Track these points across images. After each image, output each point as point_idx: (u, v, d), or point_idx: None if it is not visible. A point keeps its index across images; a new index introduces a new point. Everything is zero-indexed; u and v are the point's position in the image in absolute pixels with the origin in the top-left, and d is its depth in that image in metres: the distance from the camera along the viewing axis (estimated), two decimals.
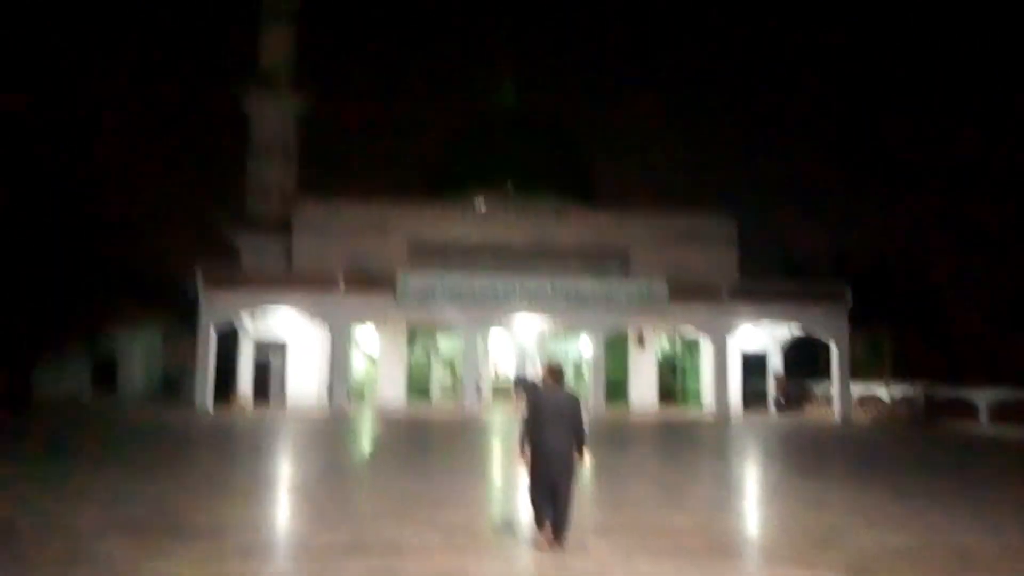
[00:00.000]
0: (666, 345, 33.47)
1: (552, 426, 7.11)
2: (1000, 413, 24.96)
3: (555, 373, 7.48)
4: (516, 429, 7.76)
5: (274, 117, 36.68)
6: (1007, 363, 30.05)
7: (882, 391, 29.17)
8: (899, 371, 29.24)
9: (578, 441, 7.23)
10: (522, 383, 28.73)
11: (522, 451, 7.28)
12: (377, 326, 31.23)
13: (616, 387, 31.87)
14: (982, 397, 25.56)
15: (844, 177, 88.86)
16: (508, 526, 8.74)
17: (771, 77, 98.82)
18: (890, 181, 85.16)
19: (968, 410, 25.81)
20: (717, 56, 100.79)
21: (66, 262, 27.61)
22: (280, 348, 30.89)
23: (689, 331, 31.22)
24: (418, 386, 32.18)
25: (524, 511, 8.61)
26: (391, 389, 31.50)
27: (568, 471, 7.13)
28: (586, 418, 7.58)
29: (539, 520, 7.30)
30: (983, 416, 25.26)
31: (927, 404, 27.23)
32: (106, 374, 31.16)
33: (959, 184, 73.73)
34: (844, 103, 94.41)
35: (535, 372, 31.79)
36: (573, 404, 7.29)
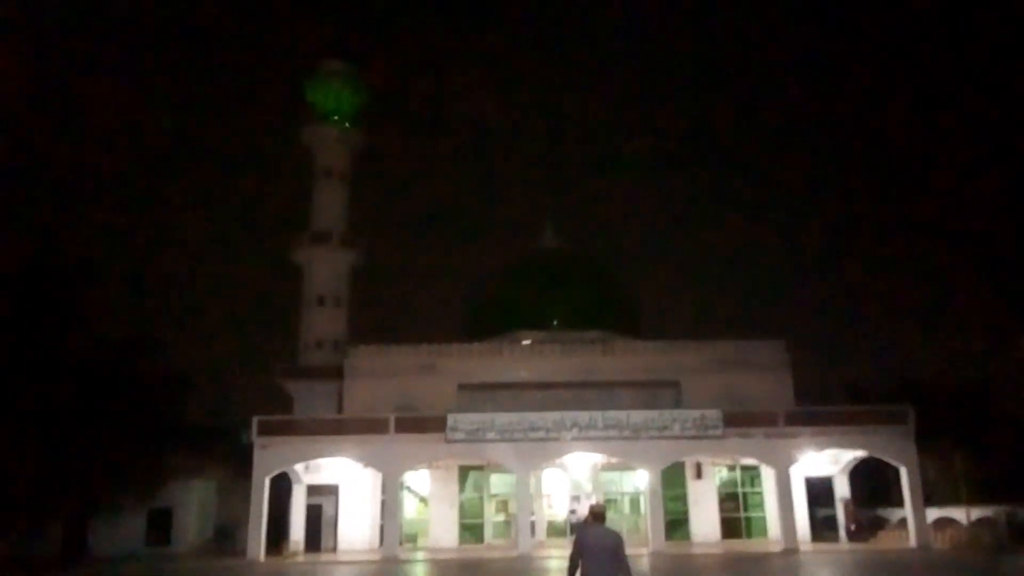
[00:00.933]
0: (725, 474, 32.47)
1: (596, 562, 7.50)
2: None
3: (596, 513, 7.97)
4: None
5: (326, 270, 38.44)
6: None
7: (959, 514, 27.61)
8: (976, 492, 27.74)
9: (620, 566, 7.53)
10: (575, 521, 27.99)
11: None
12: (428, 467, 31.10)
13: (676, 521, 30.75)
14: None
15: (904, 297, 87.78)
16: None
17: (823, 200, 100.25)
18: (952, 297, 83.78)
19: None
20: (766, 182, 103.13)
21: (122, 415, 28.43)
22: (332, 492, 30.81)
23: (749, 459, 30.35)
24: (470, 526, 31.52)
25: None
26: (443, 530, 30.91)
27: None
28: (628, 551, 7.76)
29: None
30: None
31: (1010, 525, 25.64)
32: (161, 526, 31.26)
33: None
34: (900, 223, 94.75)
35: (589, 508, 30.98)
36: (616, 540, 7.65)
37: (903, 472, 28.02)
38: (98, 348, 29.55)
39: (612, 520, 31.75)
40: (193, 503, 32.42)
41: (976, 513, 26.97)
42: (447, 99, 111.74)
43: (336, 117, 41.31)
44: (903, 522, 28.76)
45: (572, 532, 28.21)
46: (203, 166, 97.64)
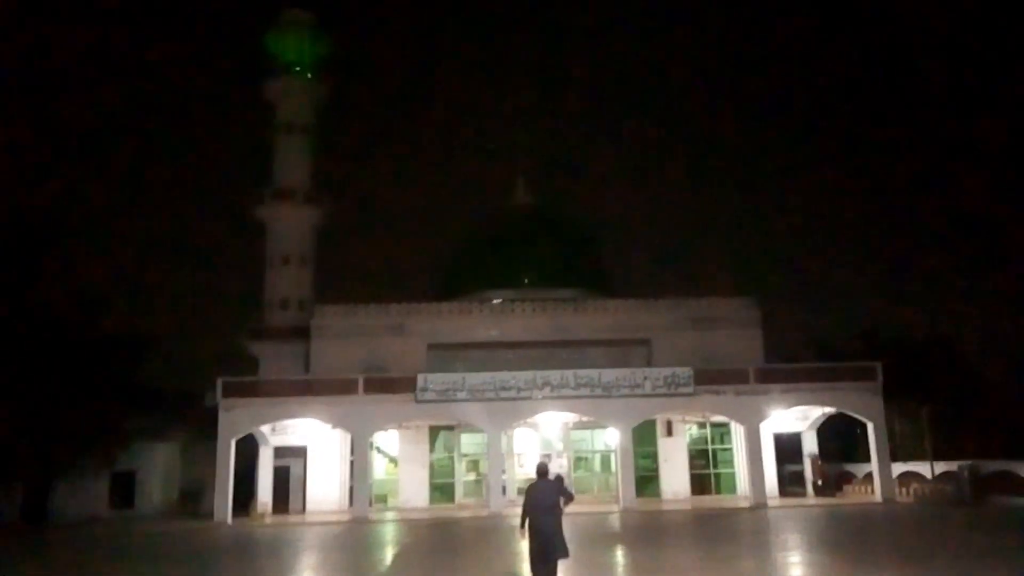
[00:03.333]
0: (695, 431, 32.65)
1: (543, 512, 9.22)
2: None
3: (540, 471, 9.69)
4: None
5: (290, 227, 37.39)
6: None
7: (924, 469, 28.08)
8: (940, 447, 28.18)
9: (566, 500, 9.57)
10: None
11: (521, 531, 9.33)
12: (398, 428, 30.79)
13: (647, 478, 30.92)
14: None
15: (868, 254, 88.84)
16: None
17: (790, 155, 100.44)
18: (915, 255, 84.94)
19: (1017, 484, 24.68)
20: (735, 140, 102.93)
21: (83, 377, 27.66)
22: (300, 453, 30.41)
23: (718, 416, 30.49)
24: (441, 486, 31.40)
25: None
26: (413, 491, 30.74)
27: (555, 546, 9.11)
28: (568, 484, 8.45)
29: None
30: None
31: (972, 480, 26.11)
32: (124, 489, 30.67)
33: (988, 250, 73.47)
34: (867, 178, 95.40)
35: (561, 466, 31.04)
36: (555, 486, 9.60)
37: (870, 428, 28.35)
38: (57, 308, 28.63)
39: (583, 477, 31.94)
40: (157, 466, 31.84)
41: (940, 468, 27.42)
42: (416, 53, 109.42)
43: (298, 68, 39.96)
44: (869, 477, 29.22)
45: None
46: (163, 122, 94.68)
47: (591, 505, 28.42)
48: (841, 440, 32.65)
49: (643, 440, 30.58)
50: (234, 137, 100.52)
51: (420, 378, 27.90)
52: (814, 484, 30.84)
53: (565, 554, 9.17)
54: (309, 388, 28.67)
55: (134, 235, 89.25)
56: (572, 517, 22.11)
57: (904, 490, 28.18)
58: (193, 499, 31.28)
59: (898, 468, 28.74)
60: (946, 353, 36.10)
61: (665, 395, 28.22)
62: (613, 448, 29.74)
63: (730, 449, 31.97)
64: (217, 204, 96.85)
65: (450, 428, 31.28)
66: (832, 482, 31.14)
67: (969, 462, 26.59)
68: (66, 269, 29.69)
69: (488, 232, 39.74)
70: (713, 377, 28.60)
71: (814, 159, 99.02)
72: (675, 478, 31.36)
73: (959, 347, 37.80)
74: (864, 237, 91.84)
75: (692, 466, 31.89)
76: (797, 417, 31.04)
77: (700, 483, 31.81)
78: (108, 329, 30.46)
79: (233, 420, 27.37)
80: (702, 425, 32.44)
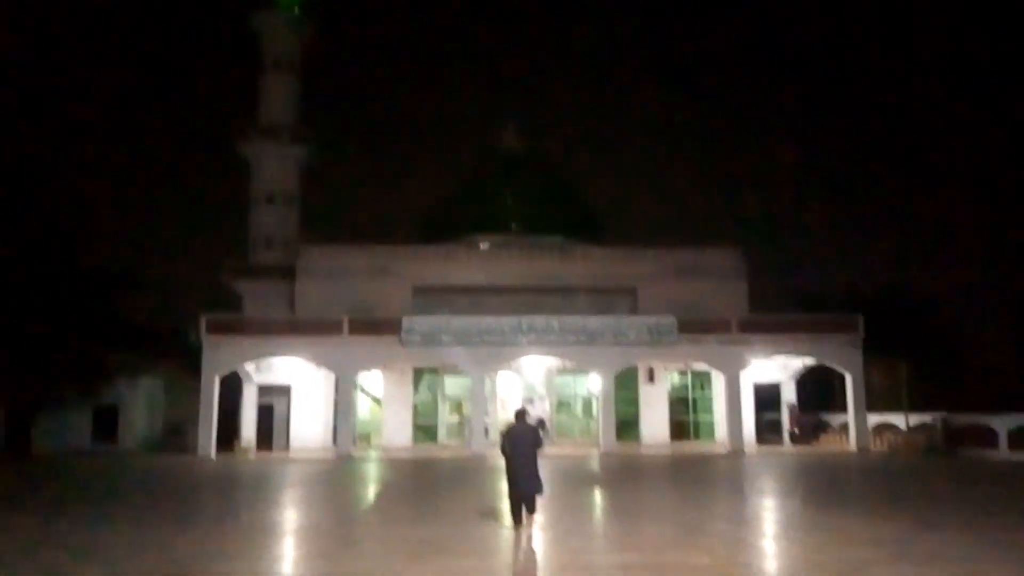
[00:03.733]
0: (677, 379, 33.05)
1: (520, 455, 10.24)
2: (1019, 439, 24.40)
3: (518, 414, 10.85)
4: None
5: (275, 166, 36.91)
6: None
7: (899, 420, 28.65)
8: (917, 399, 28.72)
9: (537, 445, 10.41)
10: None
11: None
12: (382, 369, 30.94)
13: (627, 423, 31.39)
14: (1001, 424, 25.03)
15: (852, 207, 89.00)
16: (527, 571, 8.43)
17: (775, 105, 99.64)
18: (898, 206, 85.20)
19: (987, 437, 25.27)
20: (722, 90, 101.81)
21: (67, 312, 27.49)
22: (284, 391, 30.58)
23: (700, 365, 30.83)
24: (424, 427, 31.76)
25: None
26: (397, 431, 31.09)
27: (532, 484, 10.19)
28: (549, 429, 11.23)
29: (516, 518, 10.43)
30: (1002, 443, 24.71)
31: (945, 432, 26.69)
32: (107, 423, 30.80)
33: (969, 205, 73.79)
34: (848, 129, 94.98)
35: (543, 410, 31.42)
36: (532, 430, 10.63)
37: (848, 379, 28.80)
38: (39, 241, 28.29)
39: (565, 422, 32.33)
40: (140, 400, 31.92)
41: (915, 419, 27.97)
42: None
43: (285, 3, 38.97)
44: (845, 427, 29.81)
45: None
46: (150, 56, 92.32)
47: (572, 448, 28.86)
48: (819, 390, 33.19)
49: (625, 386, 30.93)
50: (221, 73, 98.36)
51: (405, 320, 27.95)
52: (791, 433, 31.44)
53: (540, 490, 10.27)
54: (294, 327, 28.68)
55: (119, 171, 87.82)
56: (553, 460, 22.53)
57: (879, 440, 28.78)
58: (176, 434, 31.48)
59: (874, 419, 29.31)
60: (927, 309, 36.51)
61: (648, 343, 28.45)
62: (595, 394, 30.10)
63: (710, 397, 32.44)
64: (204, 141, 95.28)
65: (434, 371, 31.49)
66: (808, 431, 31.75)
67: (942, 414, 27.14)
68: (52, 204, 29.26)
69: (476, 175, 39.40)
70: (696, 326, 28.84)
71: (808, 110, 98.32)
72: (655, 424, 31.86)
73: (941, 303, 38.23)
74: (853, 192, 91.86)
75: (672, 413, 32.38)
76: (777, 367, 31.46)
77: (679, 429, 32.34)
78: (93, 264, 30.21)
79: (217, 357, 27.40)
80: (683, 373, 32.83)
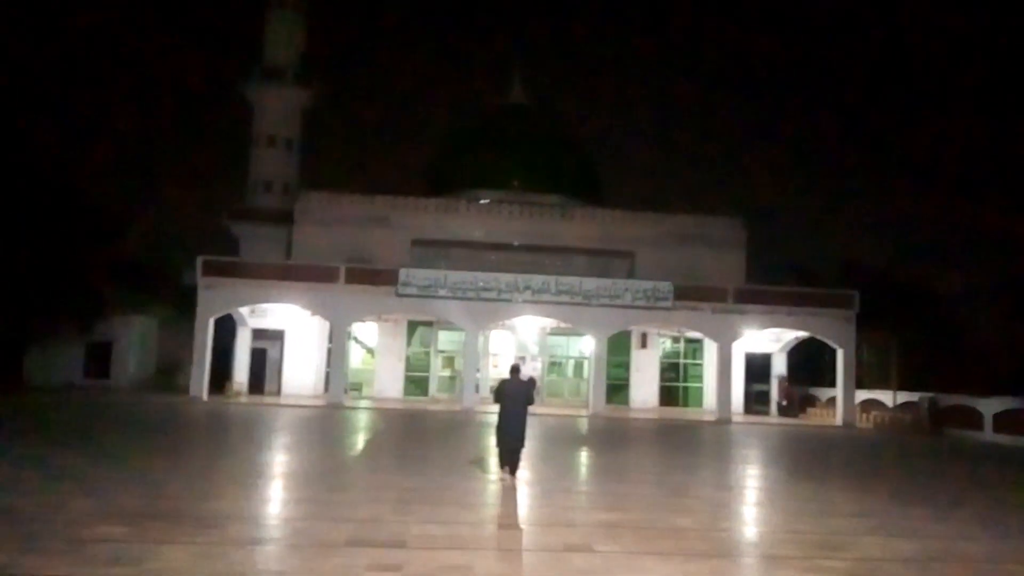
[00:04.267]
0: (669, 345, 33.19)
1: (512, 405, 10.82)
2: (1004, 422, 24.65)
3: (513, 368, 11.40)
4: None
5: (278, 108, 36.46)
6: (1016, 373, 29.73)
7: (887, 397, 28.88)
8: (906, 378, 28.90)
9: (529, 401, 11.02)
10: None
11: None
12: (377, 319, 30.99)
13: (617, 386, 31.62)
14: (987, 406, 25.25)
15: (854, 183, 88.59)
16: (510, 524, 8.54)
17: (781, 81, 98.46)
18: (899, 186, 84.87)
19: (973, 418, 25.51)
20: (729, 60, 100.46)
21: (61, 247, 27.38)
22: (277, 336, 30.66)
23: (693, 332, 30.94)
24: (416, 379, 31.93)
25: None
26: (389, 382, 31.26)
27: (521, 435, 10.79)
28: (539, 387, 10.56)
29: (502, 464, 11.00)
30: (987, 424, 24.95)
31: (931, 411, 26.92)
32: (100, 359, 30.92)
33: (968, 189, 73.53)
34: (855, 107, 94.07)
35: (534, 369, 31.61)
36: (526, 386, 11.14)
37: (839, 354, 28.94)
38: (36, 175, 28.04)
39: (555, 382, 32.52)
40: (134, 339, 32.01)
41: (902, 397, 28.19)
42: None
43: None
44: (832, 401, 30.04)
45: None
46: None
47: (561, 408, 29.09)
48: (809, 364, 33.38)
49: (617, 350, 31.07)
50: (226, 10, 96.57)
51: (402, 272, 27.89)
52: (779, 404, 31.70)
53: (522, 441, 10.89)
54: (290, 273, 28.59)
55: (119, 107, 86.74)
56: (542, 419, 22.72)
57: (865, 416, 29.04)
58: (169, 374, 31.65)
59: (862, 395, 29.52)
60: (922, 288, 36.56)
61: (644, 307, 28.49)
62: (587, 355, 30.21)
63: (701, 364, 32.63)
64: (207, 80, 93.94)
65: (428, 324, 31.55)
66: (796, 403, 32.00)
67: (930, 394, 27.35)
68: (49, 138, 29.01)
69: (480, 129, 39.01)
70: (692, 293, 28.86)
71: (814, 89, 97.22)
72: (645, 388, 32.08)
73: (937, 284, 38.27)
74: (857, 168, 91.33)
75: (663, 378, 32.60)
76: (770, 338, 31.58)
77: (669, 395, 32.60)
78: (91, 200, 29.98)
79: (212, 299, 27.35)
80: (676, 340, 32.97)
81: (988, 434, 24.64)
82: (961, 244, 65.82)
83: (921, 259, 69.10)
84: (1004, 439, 23.72)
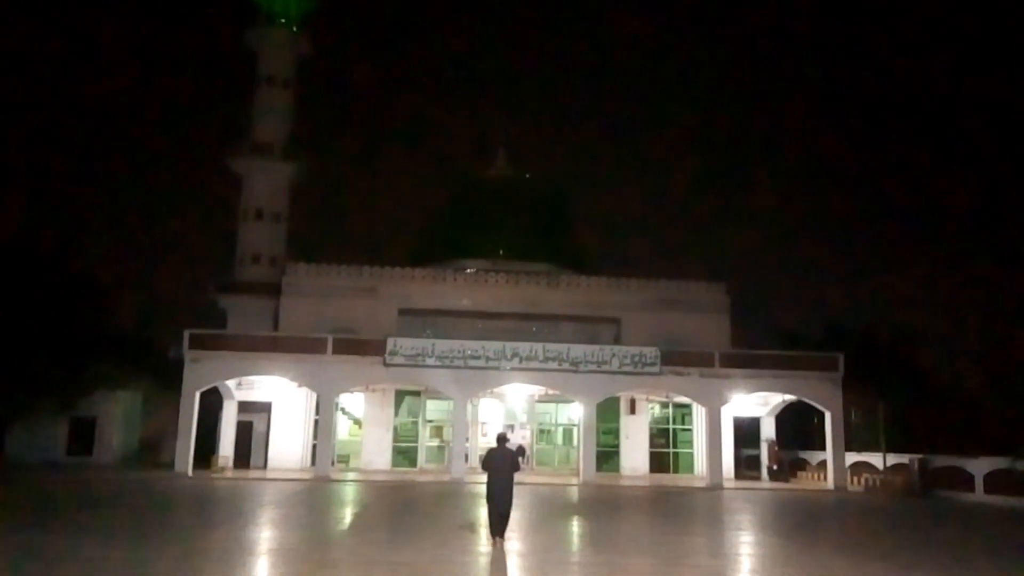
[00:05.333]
0: (658, 411, 33.13)
1: (498, 473, 11.32)
2: (994, 482, 24.63)
3: (500, 438, 11.93)
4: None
5: (265, 182, 36.97)
6: (1005, 434, 29.82)
7: (877, 460, 28.83)
8: (895, 440, 28.93)
9: (515, 468, 11.54)
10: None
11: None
12: (364, 390, 30.80)
13: (608, 453, 31.38)
14: (977, 467, 25.26)
15: (836, 250, 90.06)
16: None
17: (763, 142, 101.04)
18: (883, 252, 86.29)
19: (963, 479, 25.48)
20: (709, 128, 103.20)
21: (46, 319, 27.22)
22: (264, 409, 30.34)
23: (681, 397, 30.95)
24: (404, 450, 31.56)
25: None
26: (376, 453, 30.85)
27: (508, 501, 11.28)
28: (527, 456, 12.34)
29: (493, 531, 11.38)
30: (978, 486, 24.92)
31: (922, 473, 26.89)
32: (83, 436, 30.40)
33: (953, 253, 74.88)
34: (838, 165, 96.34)
35: (523, 438, 31.38)
36: (512, 455, 11.66)
37: (827, 416, 28.99)
38: (17, 249, 28.08)
39: (545, 450, 32.25)
40: (118, 414, 31.56)
41: (892, 459, 28.16)
42: (402, 15, 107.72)
43: (283, 20, 39.25)
44: (823, 464, 29.94)
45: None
46: (141, 66, 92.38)
47: (552, 477, 28.78)
48: (798, 427, 33.35)
49: (606, 416, 30.96)
50: (215, 89, 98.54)
51: (390, 342, 27.89)
52: (769, 469, 31.53)
53: (509, 506, 11.36)
54: (277, 345, 28.52)
55: (107, 181, 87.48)
56: (533, 488, 22.48)
57: (856, 479, 28.92)
58: (152, 450, 31.14)
59: (852, 458, 29.45)
60: (906, 349, 36.86)
61: (631, 373, 28.54)
62: (576, 422, 30.06)
63: (690, 430, 32.52)
64: (193, 156, 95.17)
65: (416, 393, 31.39)
66: (786, 468, 31.84)
67: (919, 456, 27.35)
68: (37, 210, 29.18)
69: (465, 200, 39.59)
70: (679, 358, 28.98)
71: (796, 153, 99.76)
72: (635, 455, 31.86)
73: (922, 345, 38.58)
74: (836, 233, 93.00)
75: (652, 444, 32.42)
76: (757, 402, 31.62)
77: (659, 461, 32.36)
78: (76, 272, 29.98)
79: (199, 372, 27.17)
80: (665, 405, 32.93)
81: (979, 495, 24.59)
82: (947, 303, 66.68)
83: (906, 319, 69.87)
84: (995, 500, 23.67)
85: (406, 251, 39.77)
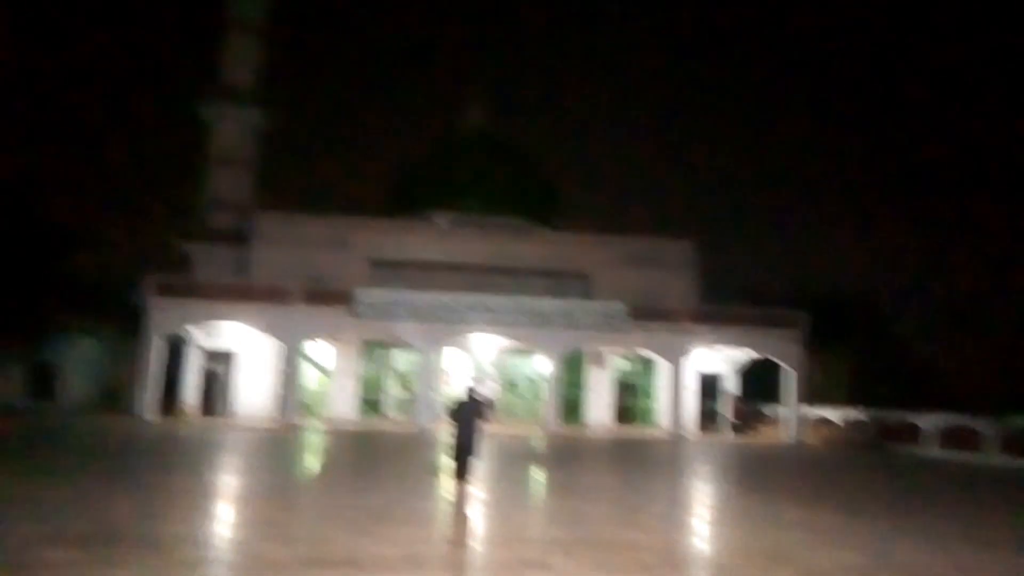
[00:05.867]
0: (623, 365, 33.56)
1: (466, 424, 11.44)
2: (945, 437, 25.49)
3: (468, 390, 12.01)
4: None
5: (234, 128, 36.15)
6: (958, 389, 30.76)
7: (835, 415, 29.62)
8: (856, 397, 29.72)
9: (482, 419, 11.65)
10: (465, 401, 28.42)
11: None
12: (332, 340, 30.74)
13: (573, 406, 31.80)
14: (928, 422, 26.08)
15: (806, 207, 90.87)
16: (466, 541, 8.58)
17: (733, 104, 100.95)
18: (850, 210, 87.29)
19: (916, 434, 26.31)
20: (682, 81, 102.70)
21: (9, 266, 26.69)
22: (229, 358, 30.19)
23: (647, 352, 31.36)
24: (371, 401, 31.70)
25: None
26: (343, 403, 30.97)
27: (474, 450, 11.42)
28: (493, 407, 10.61)
29: (457, 475, 11.38)
30: (929, 440, 25.76)
31: (877, 428, 27.70)
32: (44, 379, 30.07)
33: (920, 213, 75.99)
34: (805, 130, 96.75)
35: (490, 389, 31.64)
36: (479, 406, 11.78)
37: (789, 373, 29.62)
38: None
39: (511, 402, 32.54)
40: (80, 359, 31.23)
41: (851, 415, 28.95)
42: None
43: None
44: (783, 419, 30.68)
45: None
46: (113, 11, 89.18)
47: (517, 428, 29.14)
48: (761, 383, 34.09)
49: (572, 370, 31.30)
50: (183, 32, 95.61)
51: (359, 292, 27.79)
52: (731, 422, 32.24)
53: (476, 454, 11.52)
54: (245, 293, 28.27)
55: (71, 125, 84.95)
56: (498, 439, 22.73)
57: (815, 433, 29.72)
58: (114, 396, 30.91)
59: (812, 413, 30.22)
60: (867, 310, 37.64)
61: (599, 328, 28.81)
62: (543, 375, 30.35)
63: (655, 384, 33.03)
64: (161, 99, 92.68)
65: (384, 344, 31.41)
66: (748, 421, 32.59)
67: (875, 411, 28.16)
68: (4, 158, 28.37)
69: (439, 151, 39.18)
70: (646, 314, 29.30)
71: (767, 110, 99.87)
72: (600, 408, 32.33)
73: (884, 306, 39.44)
74: (807, 193, 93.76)
75: (617, 397, 32.91)
76: (722, 358, 32.17)
77: (623, 414, 32.89)
78: (39, 219, 29.30)
79: (163, 319, 26.90)
80: (630, 359, 33.35)
81: (930, 449, 25.42)
82: (912, 265, 67.92)
83: (871, 280, 71.11)
84: (945, 454, 24.50)
85: (380, 202, 39.38)
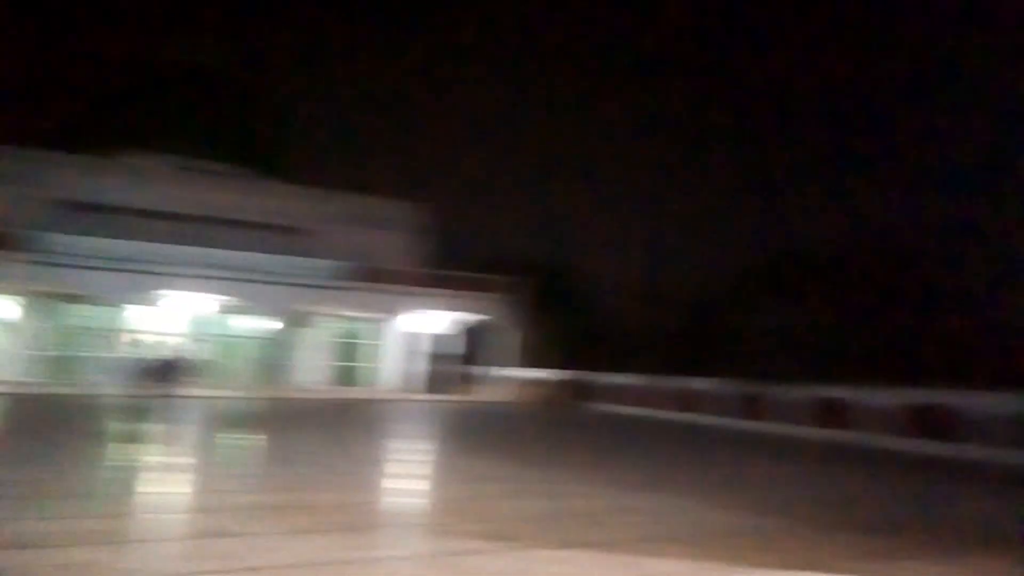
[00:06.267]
0: (340, 325, 32.91)
1: (159, 384, 11.31)
2: (638, 396, 28.32)
3: (157, 351, 11.59)
4: None
5: None
6: (656, 352, 34.31)
7: (545, 376, 31.77)
8: (566, 360, 32.10)
9: (178, 380, 11.37)
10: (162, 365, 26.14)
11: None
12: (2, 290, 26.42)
13: (284, 366, 30.58)
14: (616, 380, 29.00)
15: (564, 182, 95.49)
16: (143, 512, 7.64)
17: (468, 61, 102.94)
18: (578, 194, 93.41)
19: (616, 393, 28.99)
20: (430, 46, 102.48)
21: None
22: None
23: (366, 312, 31.04)
24: (47, 361, 27.76)
25: None
26: (8, 363, 26.79)
27: (164, 410, 11.06)
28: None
29: (140, 439, 10.57)
30: (618, 397, 28.57)
31: (579, 387, 30.16)
32: None
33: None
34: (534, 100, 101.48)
35: (191, 349, 29.34)
36: (171, 365, 11.60)
37: (506, 336, 31.16)
38: None
39: (217, 362, 30.64)
40: None
41: (561, 375, 31.30)
42: None
43: None
44: (497, 378, 32.30)
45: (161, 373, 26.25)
46: None
47: (222, 391, 27.34)
48: (479, 344, 35.47)
49: (285, 329, 30.04)
50: None
51: (36, 236, 24.06)
52: (448, 382, 33.22)
53: (167, 418, 11.23)
54: None
55: None
56: (201, 401, 21.04)
57: (525, 392, 31.70)
58: None
59: (527, 373, 32.13)
60: (586, 280, 40.85)
61: (315, 286, 27.90)
62: (252, 333, 28.75)
63: (370, 344, 32.85)
64: None
65: (64, 296, 27.62)
66: (464, 381, 33.81)
67: (578, 372, 30.71)
68: None
69: (140, 85, 35.14)
70: (365, 274, 29.01)
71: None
72: (313, 368, 31.46)
73: (590, 277, 42.94)
74: (541, 168, 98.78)
75: (331, 358, 32.26)
76: (441, 320, 32.90)
77: (340, 374, 32.35)
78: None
79: None
80: (347, 319, 32.82)
81: (628, 406, 28.07)
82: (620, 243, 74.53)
83: (582, 253, 77.04)
84: (640, 411, 27.20)
85: (65, 136, 34.43)
